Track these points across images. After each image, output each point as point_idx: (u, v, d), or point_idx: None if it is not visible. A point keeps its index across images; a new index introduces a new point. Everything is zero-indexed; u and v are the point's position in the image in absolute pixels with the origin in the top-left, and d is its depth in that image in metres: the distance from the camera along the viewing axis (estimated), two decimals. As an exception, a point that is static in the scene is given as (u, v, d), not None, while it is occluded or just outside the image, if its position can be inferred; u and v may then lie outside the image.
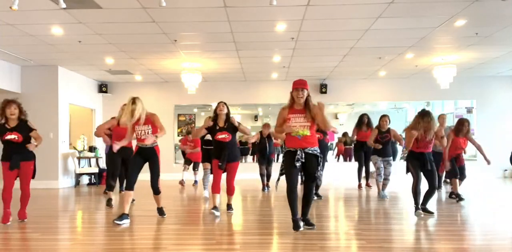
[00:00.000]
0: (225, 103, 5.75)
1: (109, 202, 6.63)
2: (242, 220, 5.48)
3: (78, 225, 5.54)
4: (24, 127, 5.28)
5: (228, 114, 5.70)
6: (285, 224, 4.99)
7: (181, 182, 9.79)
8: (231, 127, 5.65)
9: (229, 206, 5.88)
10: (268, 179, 8.79)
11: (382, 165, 7.29)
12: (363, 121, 8.72)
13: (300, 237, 4.37)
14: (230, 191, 5.74)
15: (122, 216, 5.17)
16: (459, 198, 6.71)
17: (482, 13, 6.23)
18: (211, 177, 7.41)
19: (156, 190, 5.42)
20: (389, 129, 7.37)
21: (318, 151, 4.64)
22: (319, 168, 4.62)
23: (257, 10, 6.01)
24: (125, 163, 6.67)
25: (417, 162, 5.58)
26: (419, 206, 5.51)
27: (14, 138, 5.17)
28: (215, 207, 5.65)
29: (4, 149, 5.30)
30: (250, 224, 5.24)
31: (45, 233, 4.87)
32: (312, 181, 4.63)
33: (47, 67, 9.56)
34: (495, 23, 6.69)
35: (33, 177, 5.43)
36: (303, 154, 4.53)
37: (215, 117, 5.71)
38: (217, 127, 5.65)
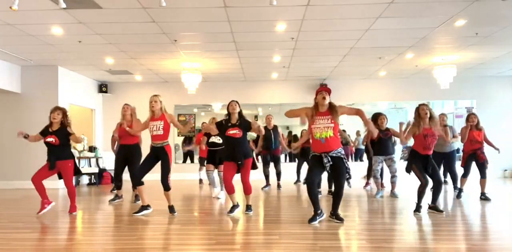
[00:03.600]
0: (237, 102, 5.86)
1: (114, 199, 7.07)
2: (242, 220, 5.48)
3: (78, 225, 5.54)
4: (62, 132, 5.79)
5: (240, 112, 5.79)
6: (286, 224, 5.01)
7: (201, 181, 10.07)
8: (243, 125, 5.70)
9: (248, 207, 5.84)
10: (278, 178, 8.86)
11: (379, 168, 7.48)
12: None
13: (300, 237, 4.37)
14: (247, 190, 5.75)
15: (141, 208, 5.78)
16: (459, 194, 6.99)
17: (482, 13, 6.23)
18: (215, 178, 7.46)
19: (165, 186, 5.63)
20: (387, 127, 7.46)
21: (342, 152, 4.99)
22: (346, 170, 4.96)
23: (257, 10, 6.01)
24: (128, 161, 6.84)
25: (421, 165, 5.62)
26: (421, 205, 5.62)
27: (52, 141, 5.72)
28: (235, 206, 5.83)
29: (47, 150, 5.85)
30: (251, 224, 5.24)
31: (45, 233, 4.87)
32: (341, 180, 4.97)
33: (47, 67, 9.56)
34: (495, 23, 6.70)
35: (75, 174, 5.95)
36: (329, 158, 4.89)
37: (228, 115, 5.80)
38: (229, 124, 5.72)
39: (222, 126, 5.77)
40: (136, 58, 8.95)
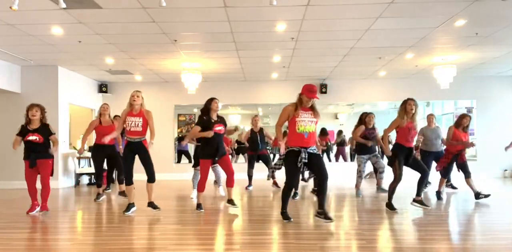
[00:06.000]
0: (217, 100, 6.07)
1: (98, 197, 7.27)
2: (242, 220, 5.48)
3: (78, 225, 5.54)
4: (45, 130, 5.78)
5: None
6: (285, 224, 5.01)
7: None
8: (223, 121, 6.00)
9: (232, 201, 6.01)
10: (273, 177, 8.90)
11: (365, 168, 7.55)
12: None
13: (300, 237, 4.37)
14: (232, 182, 5.94)
15: (129, 206, 5.81)
16: (438, 196, 6.99)
17: (482, 13, 6.23)
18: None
19: (153, 177, 5.74)
20: (374, 126, 7.52)
21: (316, 150, 5.04)
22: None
23: (257, 10, 6.01)
24: (109, 160, 7.34)
25: (404, 158, 5.73)
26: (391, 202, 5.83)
27: (35, 139, 5.67)
28: (200, 205, 6.05)
29: (24, 149, 5.80)
30: (250, 224, 5.24)
31: (45, 233, 4.87)
32: (325, 177, 4.90)
33: (47, 67, 9.56)
34: (495, 23, 6.69)
35: (51, 174, 5.87)
36: (307, 154, 4.86)
37: (208, 111, 5.90)
38: (213, 121, 5.88)
39: (208, 123, 5.84)
40: (136, 58, 8.95)
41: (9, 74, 9.23)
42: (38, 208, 5.87)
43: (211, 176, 7.72)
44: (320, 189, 4.97)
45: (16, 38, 7.27)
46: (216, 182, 9.13)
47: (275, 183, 8.94)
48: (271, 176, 8.91)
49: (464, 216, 5.84)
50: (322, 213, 4.90)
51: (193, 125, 12.13)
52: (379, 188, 7.50)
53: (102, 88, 11.59)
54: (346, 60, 9.24)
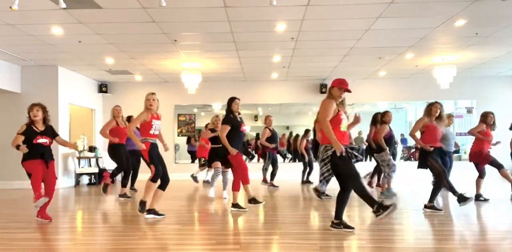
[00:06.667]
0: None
1: (105, 188, 7.26)
2: (242, 220, 5.48)
3: (78, 225, 5.54)
4: (51, 132, 5.47)
5: None
6: (286, 224, 5.01)
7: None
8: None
9: (238, 205, 5.97)
10: (273, 178, 8.94)
11: (393, 161, 7.24)
12: (377, 120, 7.87)
13: (300, 237, 4.37)
14: (238, 186, 6.02)
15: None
16: (484, 198, 6.76)
17: (482, 13, 6.23)
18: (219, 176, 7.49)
19: (166, 186, 5.57)
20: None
21: None
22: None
23: (257, 10, 6.01)
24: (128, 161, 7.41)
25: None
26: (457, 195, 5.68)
27: (46, 142, 5.35)
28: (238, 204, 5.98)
29: (31, 151, 5.27)
30: (251, 224, 5.24)
31: (45, 233, 4.87)
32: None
33: (47, 67, 9.56)
34: (495, 23, 6.70)
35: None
36: (354, 150, 4.41)
37: (232, 112, 6.12)
38: (239, 119, 6.11)
39: (237, 122, 6.01)
40: (136, 58, 8.95)
41: (9, 74, 9.23)
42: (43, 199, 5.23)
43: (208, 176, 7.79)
44: (344, 199, 4.53)
45: (16, 38, 7.28)
46: (206, 182, 9.21)
47: (272, 184, 8.97)
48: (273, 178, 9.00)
49: (464, 216, 5.83)
50: (339, 223, 4.52)
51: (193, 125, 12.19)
52: (383, 192, 7.31)
53: (102, 88, 11.59)
54: (346, 60, 9.25)
